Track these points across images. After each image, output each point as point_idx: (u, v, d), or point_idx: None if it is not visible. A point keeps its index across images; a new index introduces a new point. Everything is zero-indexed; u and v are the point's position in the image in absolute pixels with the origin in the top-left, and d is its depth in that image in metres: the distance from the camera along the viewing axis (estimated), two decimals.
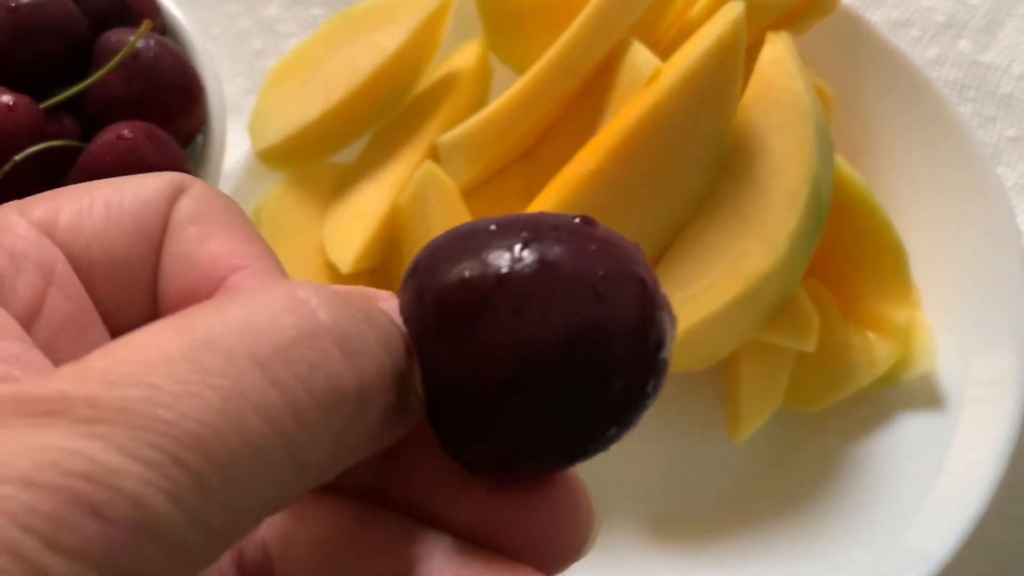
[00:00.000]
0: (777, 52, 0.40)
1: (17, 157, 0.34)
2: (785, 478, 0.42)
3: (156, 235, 0.16)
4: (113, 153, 0.36)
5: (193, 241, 0.16)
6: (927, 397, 0.42)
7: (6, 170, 0.34)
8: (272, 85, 0.44)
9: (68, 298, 0.15)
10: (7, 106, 0.35)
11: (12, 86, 0.36)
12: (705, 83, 0.39)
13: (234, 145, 0.48)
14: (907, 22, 0.49)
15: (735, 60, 0.39)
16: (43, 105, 0.36)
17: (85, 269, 0.16)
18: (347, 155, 0.45)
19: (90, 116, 0.38)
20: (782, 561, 0.40)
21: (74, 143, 0.36)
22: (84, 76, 0.38)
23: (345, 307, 0.13)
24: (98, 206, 0.17)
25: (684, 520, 0.42)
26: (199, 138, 0.42)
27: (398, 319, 0.14)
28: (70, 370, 0.12)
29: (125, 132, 0.36)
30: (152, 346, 0.12)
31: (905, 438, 0.42)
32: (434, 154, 0.43)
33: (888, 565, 0.38)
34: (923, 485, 0.40)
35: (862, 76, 0.45)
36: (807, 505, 0.41)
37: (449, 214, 0.41)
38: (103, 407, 0.11)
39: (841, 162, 0.41)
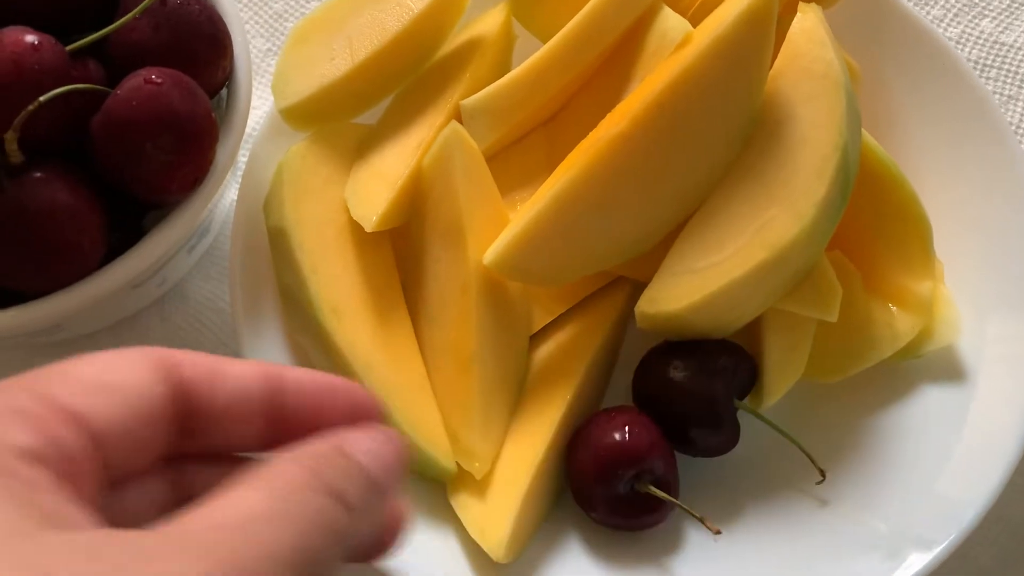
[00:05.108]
0: (809, 22, 0.40)
1: (42, 98, 0.34)
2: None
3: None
4: (140, 97, 0.35)
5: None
6: (948, 369, 0.42)
7: (31, 111, 0.33)
8: (296, 42, 0.44)
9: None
10: (32, 45, 0.34)
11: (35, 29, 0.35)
12: (736, 49, 0.39)
13: (253, 107, 0.47)
14: (929, 0, 0.49)
15: (767, 27, 0.38)
16: (68, 48, 0.36)
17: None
18: (369, 117, 0.45)
19: (115, 63, 0.37)
20: (801, 532, 0.40)
21: (100, 87, 0.36)
22: (110, 22, 0.37)
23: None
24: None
25: (702, 491, 0.42)
26: (223, 92, 0.41)
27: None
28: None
29: (153, 77, 0.35)
30: None
31: (926, 410, 0.41)
32: (457, 117, 0.43)
33: (908, 537, 0.38)
34: (944, 458, 0.40)
35: (887, 52, 0.45)
36: (826, 477, 0.41)
37: (473, 176, 0.41)
38: None
39: (866, 135, 0.41)
